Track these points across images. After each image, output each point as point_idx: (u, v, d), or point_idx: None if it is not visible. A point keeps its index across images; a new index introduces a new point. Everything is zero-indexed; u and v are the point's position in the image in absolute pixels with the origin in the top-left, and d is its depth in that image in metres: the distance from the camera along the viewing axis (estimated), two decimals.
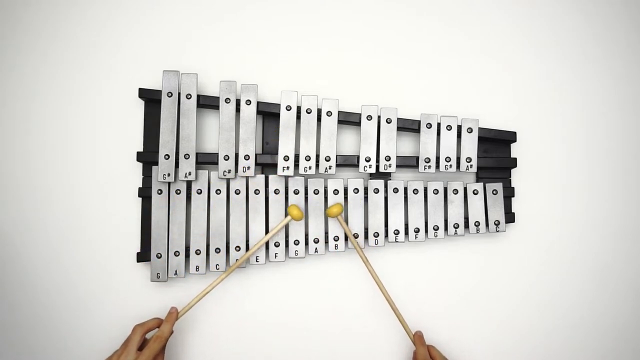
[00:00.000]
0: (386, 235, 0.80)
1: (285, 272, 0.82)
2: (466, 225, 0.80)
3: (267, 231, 0.79)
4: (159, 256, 0.77)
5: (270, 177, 0.79)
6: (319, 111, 0.79)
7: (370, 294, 0.81)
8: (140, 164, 0.81)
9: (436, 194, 0.80)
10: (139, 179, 0.81)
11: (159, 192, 0.78)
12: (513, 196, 0.82)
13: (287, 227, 0.79)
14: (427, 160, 0.80)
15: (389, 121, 0.80)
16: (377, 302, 0.81)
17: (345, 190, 0.80)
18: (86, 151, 0.82)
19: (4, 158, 0.82)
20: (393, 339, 0.81)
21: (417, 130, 0.81)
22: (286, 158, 0.78)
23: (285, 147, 0.78)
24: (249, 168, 0.78)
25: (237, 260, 0.76)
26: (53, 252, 0.81)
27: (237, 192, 0.78)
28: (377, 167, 0.80)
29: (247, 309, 0.81)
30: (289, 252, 0.79)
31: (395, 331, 0.81)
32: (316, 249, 0.79)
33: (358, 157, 0.80)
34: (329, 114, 0.79)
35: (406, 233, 0.80)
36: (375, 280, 0.75)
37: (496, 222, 0.80)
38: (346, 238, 0.79)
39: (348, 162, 0.80)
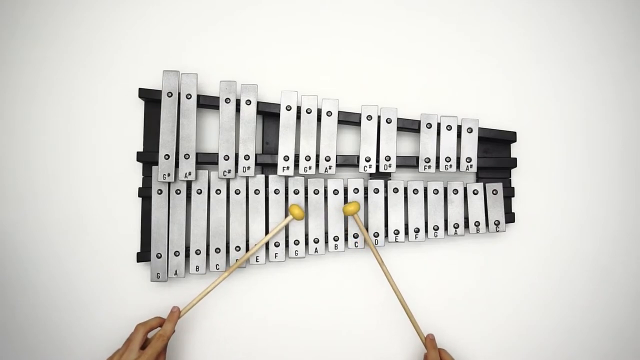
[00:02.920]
0: (386, 235, 0.80)
1: (285, 272, 0.82)
2: (466, 225, 0.80)
3: (267, 231, 0.79)
4: (159, 256, 0.77)
5: (270, 177, 0.79)
6: (319, 111, 0.79)
7: (372, 293, 0.82)
8: (140, 164, 0.81)
9: (436, 194, 0.80)
10: (139, 179, 0.81)
11: (159, 192, 0.78)
12: (513, 196, 0.82)
13: (287, 227, 0.79)
14: (427, 160, 0.80)
15: (389, 121, 0.80)
16: (379, 302, 0.81)
17: (345, 190, 0.80)
18: (86, 151, 0.82)
19: (4, 158, 0.82)
20: (398, 340, 0.81)
21: (417, 130, 0.81)
22: (286, 158, 0.78)
23: (285, 147, 0.78)
24: (249, 168, 0.78)
25: (237, 260, 0.76)
26: (53, 252, 0.81)
27: (237, 192, 0.78)
28: (377, 167, 0.80)
29: (247, 308, 0.81)
30: (289, 252, 0.79)
31: (400, 332, 0.81)
32: (316, 249, 0.79)
33: (358, 157, 0.80)
34: (329, 114, 0.79)
35: (406, 233, 0.80)
36: (390, 281, 0.75)
37: (496, 222, 0.80)
38: (346, 238, 0.79)
39: (348, 162, 0.80)
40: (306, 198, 0.80)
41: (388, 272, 0.76)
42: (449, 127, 0.80)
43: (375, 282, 0.82)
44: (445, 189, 0.80)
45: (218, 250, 0.78)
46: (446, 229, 0.80)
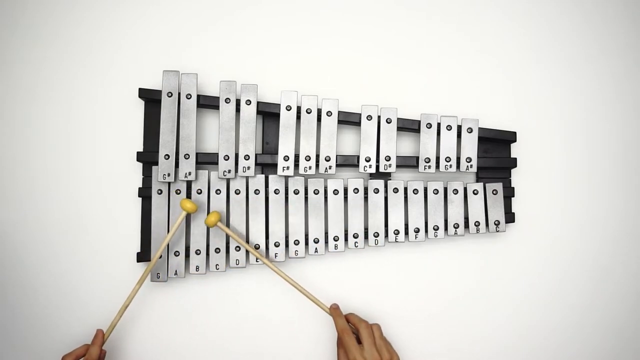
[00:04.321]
0: (386, 235, 0.80)
1: (285, 271, 0.82)
2: (466, 225, 0.80)
3: (267, 231, 0.79)
4: (159, 256, 0.77)
5: (270, 177, 0.79)
6: (319, 111, 0.79)
7: (374, 293, 0.82)
8: (140, 164, 0.81)
9: (436, 194, 0.80)
10: (139, 179, 0.81)
11: (159, 192, 0.78)
12: (513, 196, 0.82)
13: (287, 226, 0.79)
14: (427, 160, 0.80)
15: (389, 121, 0.80)
16: (381, 302, 0.81)
17: (345, 190, 0.80)
18: (86, 151, 0.82)
19: (4, 158, 0.82)
20: (397, 340, 0.81)
21: (417, 130, 0.81)
22: (286, 158, 0.78)
23: (285, 147, 0.78)
24: (249, 168, 0.78)
25: (147, 266, 0.76)
26: (53, 252, 0.81)
27: (237, 192, 0.78)
28: (377, 167, 0.80)
29: (248, 308, 0.81)
30: (289, 252, 0.79)
31: (402, 332, 0.81)
32: (316, 249, 0.79)
33: (358, 157, 0.80)
34: (329, 114, 0.79)
35: (406, 233, 0.80)
36: (275, 270, 0.76)
37: (496, 222, 0.80)
38: (346, 238, 0.79)
39: (348, 162, 0.80)
40: (306, 198, 0.80)
41: (270, 263, 0.76)
42: (449, 127, 0.80)
43: (376, 281, 0.82)
44: (445, 189, 0.80)
45: (218, 250, 0.78)
46: (446, 229, 0.80)
